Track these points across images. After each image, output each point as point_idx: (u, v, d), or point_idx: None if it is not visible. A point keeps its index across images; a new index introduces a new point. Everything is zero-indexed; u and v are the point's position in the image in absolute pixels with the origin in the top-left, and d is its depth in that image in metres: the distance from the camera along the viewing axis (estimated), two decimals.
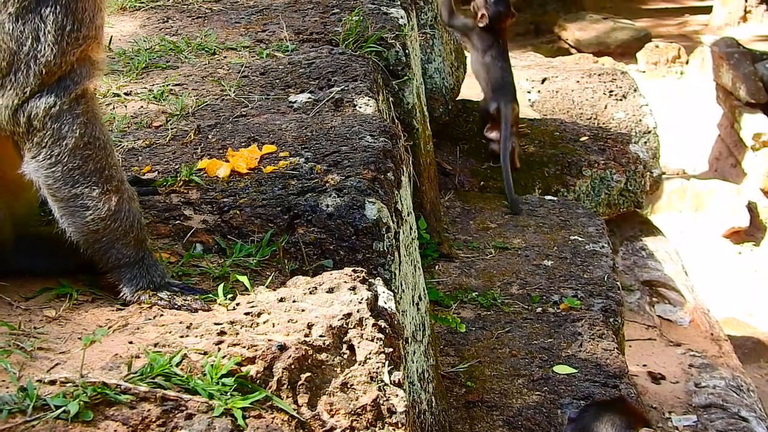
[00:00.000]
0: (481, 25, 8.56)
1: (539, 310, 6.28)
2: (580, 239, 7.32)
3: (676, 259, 9.90)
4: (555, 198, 8.39)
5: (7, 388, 2.93)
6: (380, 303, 3.59)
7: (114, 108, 5.03)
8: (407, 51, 6.05)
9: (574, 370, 5.58)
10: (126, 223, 3.40)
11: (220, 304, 3.43)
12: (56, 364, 3.08)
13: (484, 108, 8.79)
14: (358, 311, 3.37)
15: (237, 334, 3.22)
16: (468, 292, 6.42)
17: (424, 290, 4.82)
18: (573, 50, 21.12)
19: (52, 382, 2.97)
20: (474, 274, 6.71)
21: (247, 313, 3.35)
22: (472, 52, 8.87)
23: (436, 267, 6.73)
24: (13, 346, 3.12)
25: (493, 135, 8.68)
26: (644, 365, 8.08)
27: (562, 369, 5.60)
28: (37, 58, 3.21)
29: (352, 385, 3.26)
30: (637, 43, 21.32)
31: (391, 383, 3.31)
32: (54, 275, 3.54)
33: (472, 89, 9.52)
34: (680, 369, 8.14)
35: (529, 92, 10.81)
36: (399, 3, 6.51)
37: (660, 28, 23.83)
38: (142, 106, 5.07)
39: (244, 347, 3.15)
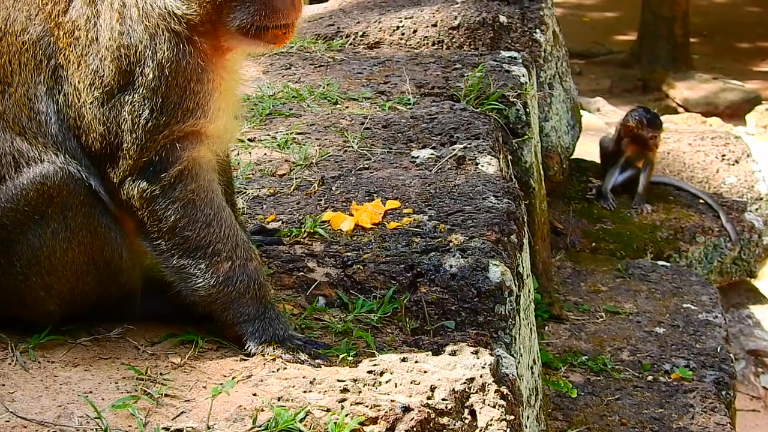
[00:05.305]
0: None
1: (650, 378, 6.18)
2: (693, 307, 7.20)
3: None
4: (668, 264, 8.28)
5: None
6: (502, 368, 3.56)
7: (239, 154, 5.08)
8: (527, 109, 6.03)
9: None
10: (240, 286, 3.42)
11: (342, 360, 3.42)
12: (182, 413, 3.11)
13: None
14: (481, 376, 3.35)
15: (360, 392, 3.22)
16: (578, 356, 6.35)
17: (537, 353, 4.78)
18: (680, 109, 20.85)
19: (178, 431, 3.00)
20: (584, 338, 6.63)
21: (369, 372, 3.35)
22: None
23: (546, 328, 6.67)
24: (140, 392, 3.15)
25: None
26: None
27: None
28: (121, 144, 3.28)
29: None
30: (747, 105, 20.97)
31: None
32: (179, 320, 3.57)
33: (584, 147, 9.48)
34: None
35: None
36: (521, 61, 6.50)
37: None
38: (266, 153, 5.12)
39: (367, 406, 3.14)
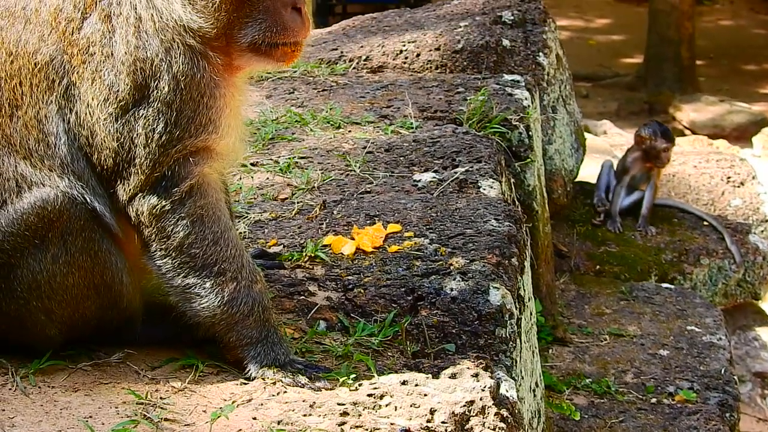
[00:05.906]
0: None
1: (654, 400, 6.18)
2: (697, 330, 7.20)
3: None
4: (672, 286, 8.29)
5: None
6: (502, 391, 3.56)
7: (241, 178, 5.10)
8: (530, 133, 6.04)
9: None
10: (244, 308, 3.43)
11: (342, 384, 3.43)
12: None
13: None
14: (480, 399, 3.35)
15: (359, 415, 3.22)
16: (581, 379, 6.34)
17: (540, 376, 4.77)
18: (687, 131, 20.84)
19: None
20: (588, 360, 6.63)
21: (369, 395, 3.35)
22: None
23: (550, 351, 6.67)
24: (140, 416, 3.16)
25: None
26: None
27: None
28: (133, 159, 3.30)
29: None
30: (754, 127, 20.93)
31: None
32: (180, 345, 3.58)
33: (588, 169, 9.49)
34: None
35: None
36: (524, 84, 6.52)
37: None
38: (268, 178, 5.13)
39: (367, 429, 3.15)
